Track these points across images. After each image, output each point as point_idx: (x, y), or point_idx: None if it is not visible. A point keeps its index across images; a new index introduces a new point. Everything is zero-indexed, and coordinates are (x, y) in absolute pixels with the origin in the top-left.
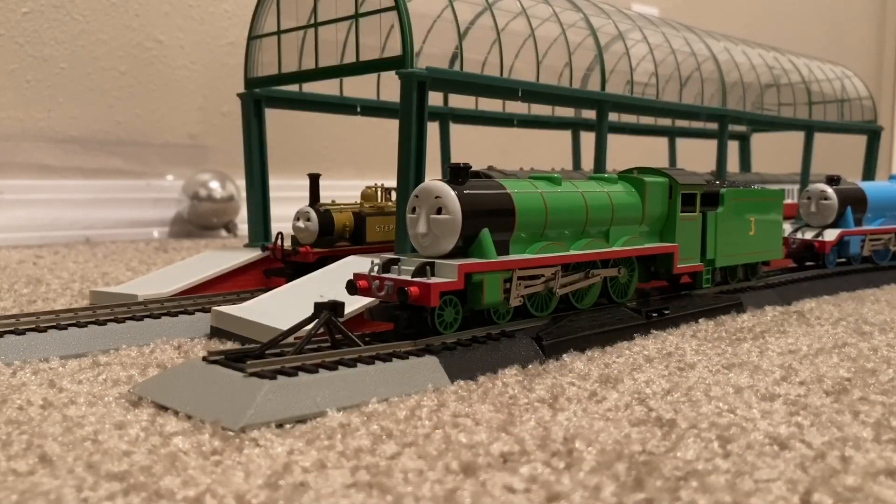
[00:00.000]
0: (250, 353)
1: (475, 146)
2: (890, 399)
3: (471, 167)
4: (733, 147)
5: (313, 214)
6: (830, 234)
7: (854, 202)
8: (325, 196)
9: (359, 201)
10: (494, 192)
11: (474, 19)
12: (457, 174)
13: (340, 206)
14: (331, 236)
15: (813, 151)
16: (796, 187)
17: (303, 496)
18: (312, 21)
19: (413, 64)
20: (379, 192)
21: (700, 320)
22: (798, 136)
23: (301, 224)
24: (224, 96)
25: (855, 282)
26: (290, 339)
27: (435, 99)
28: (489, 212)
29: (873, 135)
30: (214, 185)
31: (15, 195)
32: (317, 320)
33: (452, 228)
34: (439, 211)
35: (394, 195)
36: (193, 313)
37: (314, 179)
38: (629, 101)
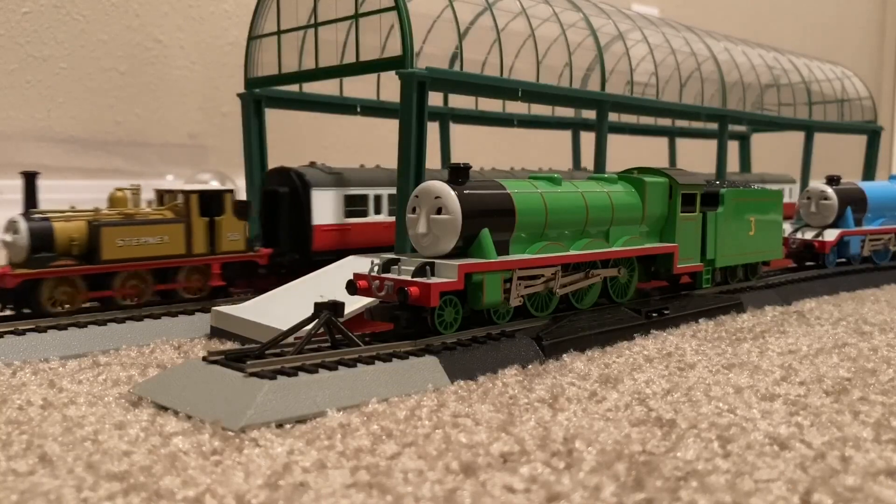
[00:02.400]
0: (250, 353)
1: (475, 146)
2: (890, 399)
3: (471, 167)
4: (733, 147)
5: (23, 224)
6: (830, 234)
7: (854, 202)
8: None
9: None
10: (494, 192)
11: (474, 19)
12: (457, 174)
13: (69, 214)
14: (50, 253)
15: (813, 151)
16: (783, 188)
17: (303, 496)
18: (312, 21)
19: (413, 64)
20: (132, 197)
21: (700, 320)
22: (798, 136)
23: (8, 237)
24: (224, 96)
25: (855, 282)
26: (290, 339)
27: (435, 99)
28: (489, 212)
29: (873, 135)
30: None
31: (15, 195)
32: (317, 320)
33: (452, 228)
34: (439, 211)
35: (168, 200)
36: (193, 313)
37: (29, 179)
38: (629, 101)
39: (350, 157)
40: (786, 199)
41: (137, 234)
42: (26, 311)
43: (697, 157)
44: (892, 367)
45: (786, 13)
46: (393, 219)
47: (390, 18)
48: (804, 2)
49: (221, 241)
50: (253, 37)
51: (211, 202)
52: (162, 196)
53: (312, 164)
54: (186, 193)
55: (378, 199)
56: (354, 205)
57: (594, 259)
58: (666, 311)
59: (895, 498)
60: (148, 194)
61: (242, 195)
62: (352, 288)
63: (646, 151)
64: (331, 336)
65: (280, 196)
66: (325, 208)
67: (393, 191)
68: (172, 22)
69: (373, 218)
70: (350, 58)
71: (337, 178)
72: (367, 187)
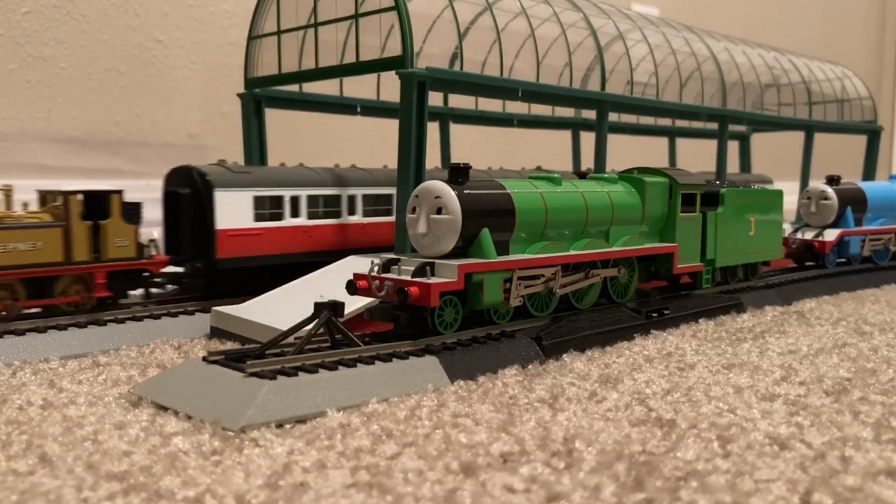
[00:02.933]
0: (250, 353)
1: (475, 146)
2: (890, 399)
3: (471, 167)
4: (733, 147)
5: None
6: (830, 234)
7: (854, 202)
8: None
9: None
10: (494, 192)
11: (474, 19)
12: (457, 174)
13: None
14: None
15: (813, 151)
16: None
17: (303, 496)
18: (312, 21)
19: (413, 64)
20: (4, 198)
21: (700, 320)
22: (798, 136)
23: None
24: (224, 96)
25: (855, 282)
26: (290, 339)
27: (435, 99)
28: (489, 212)
29: (873, 135)
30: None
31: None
32: (317, 320)
33: (452, 228)
34: (439, 211)
35: (50, 201)
36: (193, 313)
37: None
38: (629, 101)
39: (350, 157)
40: None
41: (4, 240)
42: None
43: (697, 157)
44: (892, 367)
45: (786, 13)
46: (313, 222)
47: (390, 18)
48: (804, 2)
49: (107, 248)
50: (253, 37)
51: (95, 204)
52: (45, 197)
53: (221, 163)
54: (66, 194)
55: (295, 200)
56: (268, 207)
57: (594, 259)
58: (666, 311)
59: (895, 498)
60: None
61: None
62: (352, 288)
63: (646, 151)
64: (331, 336)
65: (181, 198)
66: (231, 211)
67: (313, 191)
68: (172, 22)
69: (289, 221)
70: (350, 58)
71: (246, 178)
72: (282, 188)
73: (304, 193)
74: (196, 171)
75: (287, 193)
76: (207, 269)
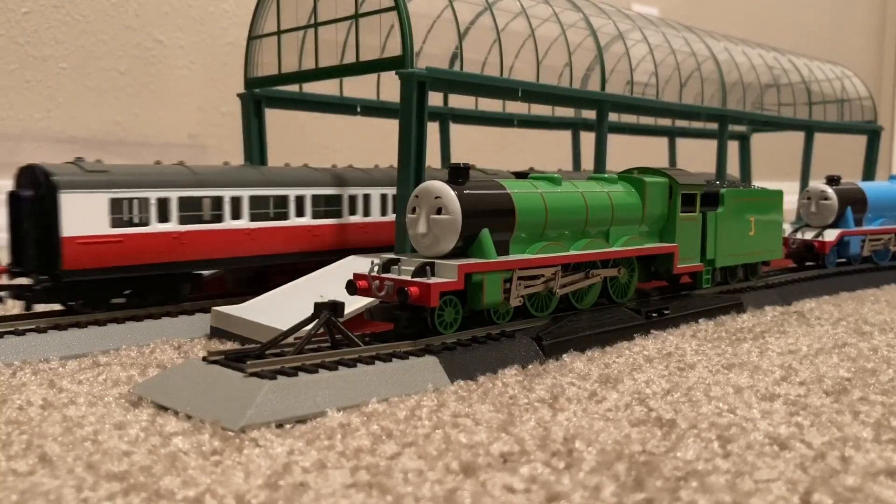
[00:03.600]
0: (250, 353)
1: (475, 146)
2: (890, 399)
3: (471, 167)
4: (733, 147)
5: None
6: (830, 235)
7: (854, 202)
8: None
9: None
10: (494, 192)
11: (474, 19)
12: (457, 174)
13: None
14: None
15: (813, 151)
16: None
17: (303, 496)
18: (312, 21)
19: (413, 64)
20: None
21: (700, 320)
22: (798, 136)
23: None
24: (224, 96)
25: (855, 282)
26: (290, 339)
27: (435, 99)
28: (489, 212)
29: (873, 135)
30: None
31: None
32: (317, 320)
33: (452, 228)
34: (439, 211)
35: None
36: (193, 313)
37: None
38: (629, 101)
39: (351, 157)
40: None
41: None
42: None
43: (697, 157)
44: (892, 367)
45: (786, 13)
46: (185, 228)
47: (390, 18)
48: (804, 2)
49: None
50: (253, 37)
51: None
52: None
53: (77, 161)
54: None
55: (164, 203)
56: (129, 211)
57: (594, 259)
58: (666, 311)
59: (895, 498)
60: None
61: None
62: (352, 288)
63: (646, 151)
64: (331, 336)
65: (23, 201)
66: (81, 216)
67: (186, 193)
68: (172, 22)
69: (156, 227)
70: (350, 58)
71: (102, 179)
72: (148, 189)
73: (174, 195)
74: (40, 170)
75: (153, 195)
76: (53, 281)
